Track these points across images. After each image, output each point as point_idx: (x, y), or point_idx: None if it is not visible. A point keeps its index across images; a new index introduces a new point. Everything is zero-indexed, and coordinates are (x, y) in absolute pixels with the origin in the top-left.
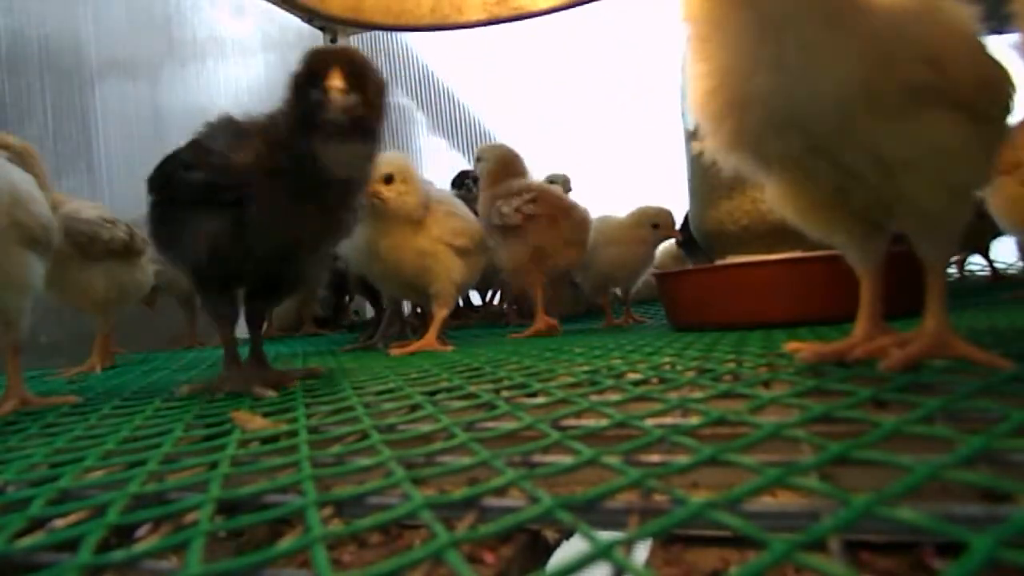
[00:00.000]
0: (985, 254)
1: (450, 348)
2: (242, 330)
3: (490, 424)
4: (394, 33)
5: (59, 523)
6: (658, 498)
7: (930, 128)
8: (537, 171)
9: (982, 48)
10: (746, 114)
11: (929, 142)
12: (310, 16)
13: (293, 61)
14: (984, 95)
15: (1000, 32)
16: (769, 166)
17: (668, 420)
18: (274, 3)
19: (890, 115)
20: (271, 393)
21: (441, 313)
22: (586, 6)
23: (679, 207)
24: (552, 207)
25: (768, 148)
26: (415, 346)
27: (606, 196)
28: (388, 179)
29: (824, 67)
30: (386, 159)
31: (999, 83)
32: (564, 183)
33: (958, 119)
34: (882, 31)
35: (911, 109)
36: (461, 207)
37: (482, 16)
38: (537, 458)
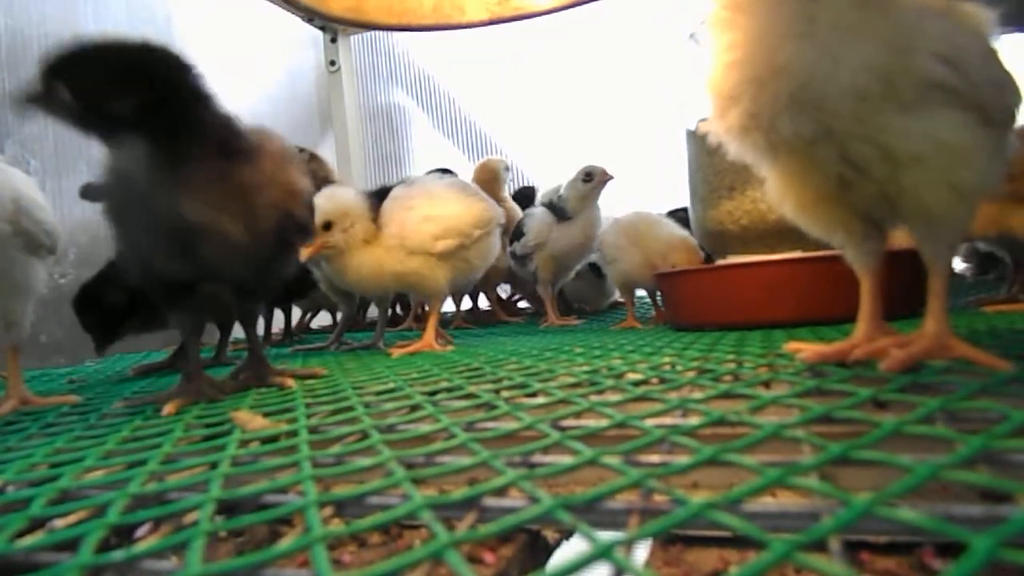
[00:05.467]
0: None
1: (450, 348)
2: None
3: (490, 424)
4: (393, 32)
5: (59, 523)
6: (658, 498)
7: (941, 125)
8: (536, 171)
9: (996, 53)
10: (764, 90)
11: (939, 139)
12: (310, 16)
13: (294, 61)
14: (996, 99)
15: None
16: (776, 152)
17: (668, 420)
18: (275, 3)
19: (904, 108)
20: (223, 396)
21: (435, 311)
22: (587, 6)
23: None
24: None
25: (781, 130)
26: (414, 346)
27: (606, 196)
28: (327, 226)
29: (849, 49)
30: (319, 206)
31: (1010, 89)
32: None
33: (969, 120)
34: (905, 24)
35: (925, 104)
36: (444, 200)
37: (484, 16)
38: (537, 458)
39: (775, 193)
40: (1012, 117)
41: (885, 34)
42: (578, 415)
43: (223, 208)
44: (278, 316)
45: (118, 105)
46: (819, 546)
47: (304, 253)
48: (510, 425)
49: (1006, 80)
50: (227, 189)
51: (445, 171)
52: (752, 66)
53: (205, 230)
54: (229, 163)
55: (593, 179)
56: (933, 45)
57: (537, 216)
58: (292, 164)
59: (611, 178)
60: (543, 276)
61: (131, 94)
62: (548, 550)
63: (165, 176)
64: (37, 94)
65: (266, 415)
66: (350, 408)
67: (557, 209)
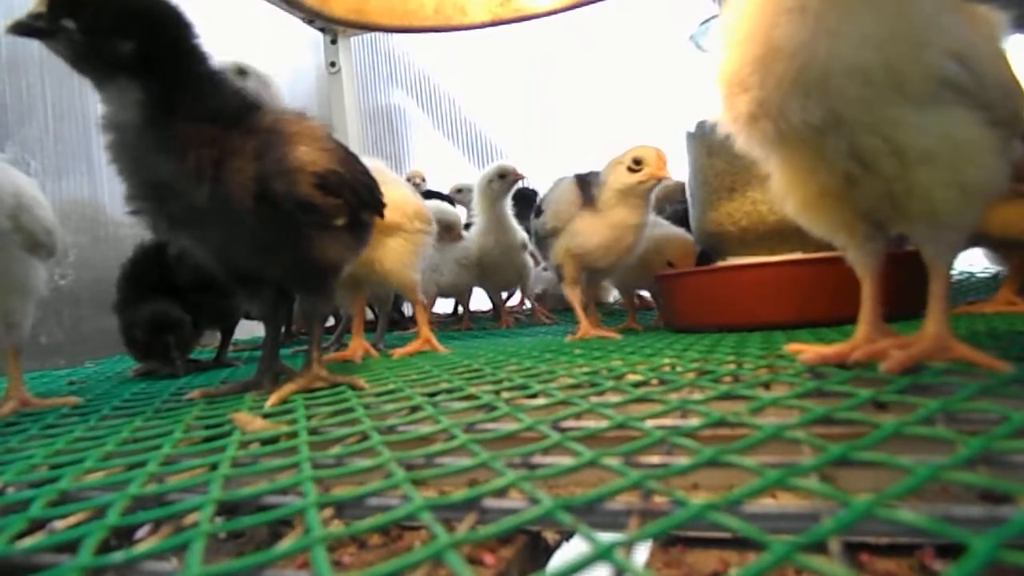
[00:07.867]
0: None
1: (449, 349)
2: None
3: (490, 425)
4: (393, 34)
5: (59, 524)
6: (658, 499)
7: (952, 123)
8: (536, 171)
9: (1006, 57)
10: (769, 72)
11: (949, 137)
12: (312, 17)
13: (294, 63)
14: (1004, 102)
15: None
16: (784, 143)
17: (668, 421)
18: (275, 4)
19: (914, 103)
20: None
21: (419, 304)
22: (588, 7)
23: None
24: None
25: (790, 116)
26: (414, 346)
27: None
28: None
29: (847, 23)
30: None
31: (1017, 94)
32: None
33: (979, 120)
34: (918, 17)
35: (935, 101)
36: (389, 179)
37: (486, 18)
38: (537, 459)
39: (779, 189)
40: (1018, 122)
41: (891, 26)
42: (578, 416)
43: (197, 169)
44: None
45: (121, 46)
46: (819, 547)
47: None
48: (510, 426)
49: (1014, 84)
50: (203, 151)
51: None
52: (753, 44)
53: (172, 187)
54: (214, 127)
55: (641, 168)
56: (946, 41)
57: (562, 188)
58: (301, 142)
59: (666, 177)
60: (567, 272)
61: (134, 37)
62: (548, 551)
63: (151, 127)
64: (43, 25)
65: (266, 416)
66: (350, 409)
67: (586, 186)
